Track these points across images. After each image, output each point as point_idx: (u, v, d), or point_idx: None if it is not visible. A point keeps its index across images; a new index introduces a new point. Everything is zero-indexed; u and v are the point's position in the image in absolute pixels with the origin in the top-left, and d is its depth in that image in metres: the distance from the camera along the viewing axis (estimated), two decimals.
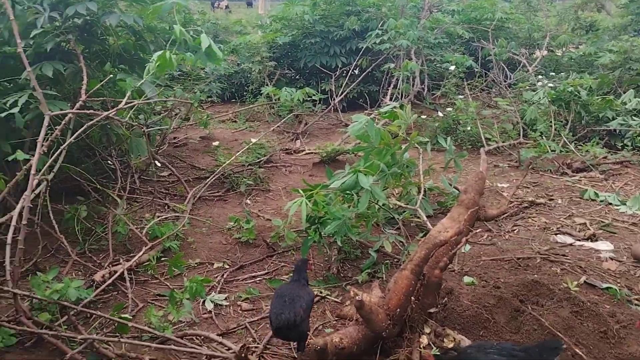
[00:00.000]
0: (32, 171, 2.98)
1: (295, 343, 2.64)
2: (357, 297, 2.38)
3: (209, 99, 7.01)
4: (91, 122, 3.33)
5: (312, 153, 6.07)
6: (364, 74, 7.61)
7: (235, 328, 2.93)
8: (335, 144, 5.83)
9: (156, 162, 5.02)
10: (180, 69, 7.09)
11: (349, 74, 7.71)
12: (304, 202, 3.11)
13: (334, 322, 2.99)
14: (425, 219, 3.49)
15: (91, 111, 3.45)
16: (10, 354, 2.58)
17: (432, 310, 2.57)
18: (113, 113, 3.44)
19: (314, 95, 6.76)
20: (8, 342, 2.60)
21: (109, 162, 4.51)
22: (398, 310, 2.47)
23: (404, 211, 3.93)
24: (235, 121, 7.58)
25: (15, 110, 3.28)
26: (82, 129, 3.28)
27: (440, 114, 6.63)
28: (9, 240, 2.85)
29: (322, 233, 3.35)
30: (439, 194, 4.52)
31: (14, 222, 2.89)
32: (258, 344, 2.78)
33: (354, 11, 8.13)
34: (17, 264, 2.79)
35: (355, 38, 8.06)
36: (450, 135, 5.48)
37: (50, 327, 2.66)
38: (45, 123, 3.13)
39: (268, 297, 3.19)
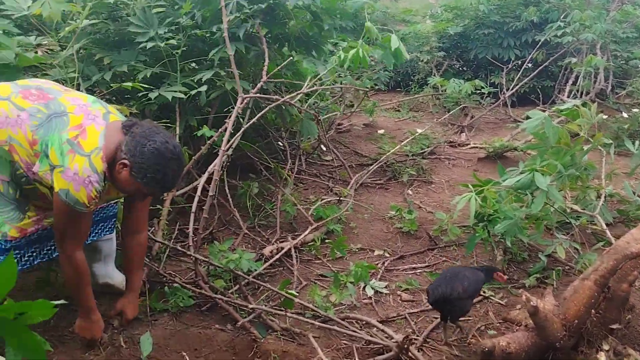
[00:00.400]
0: (223, 147, 3.20)
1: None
2: (531, 303, 2.24)
3: (376, 87, 7.02)
4: (273, 104, 3.50)
5: (477, 147, 5.85)
6: (539, 68, 7.16)
7: (394, 317, 2.91)
8: (503, 140, 5.56)
9: (322, 146, 5.15)
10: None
11: (523, 67, 7.29)
12: (474, 198, 3.00)
13: (497, 325, 2.86)
14: (604, 226, 3.20)
15: (277, 97, 3.61)
16: (188, 314, 2.78)
17: (614, 326, 2.35)
18: (293, 98, 3.58)
19: (483, 88, 6.51)
20: (187, 303, 2.81)
21: (279, 143, 4.70)
22: (576, 321, 2.29)
23: (579, 216, 3.64)
24: (398, 110, 7.54)
25: (203, 88, 3.51)
26: (265, 110, 3.45)
27: (625, 114, 6.06)
28: (193, 209, 3.08)
29: (491, 231, 3.21)
30: (619, 202, 4.14)
31: (198, 192, 3.12)
32: (418, 336, 2.74)
33: (533, 1, 7.66)
34: (200, 231, 3.01)
35: (531, 30, 7.61)
36: (636, 139, 4.98)
37: (224, 294, 2.84)
38: (239, 104, 3.35)
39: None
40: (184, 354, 2.49)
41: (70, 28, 3.11)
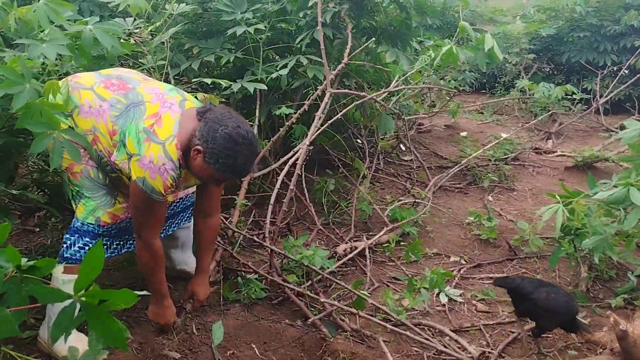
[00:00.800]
0: (307, 141, 3.20)
1: None
2: (620, 326, 2.09)
3: (461, 88, 6.85)
4: (359, 101, 3.47)
5: (564, 156, 5.57)
6: (637, 75, 6.73)
7: (468, 327, 2.81)
8: (594, 149, 5.27)
9: (401, 145, 5.06)
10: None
11: (619, 74, 6.89)
12: (561, 210, 2.84)
13: (579, 345, 2.70)
14: None
15: (363, 94, 3.57)
16: (259, 307, 2.80)
17: None
18: (379, 96, 3.54)
19: (575, 93, 6.19)
20: (259, 295, 2.82)
21: (358, 140, 4.65)
22: None
23: None
24: (481, 112, 7.32)
25: (284, 72, 3.50)
26: (349, 107, 3.43)
27: None
28: (272, 200, 3.10)
29: (577, 246, 3.04)
30: None
31: (278, 185, 3.13)
32: (492, 349, 2.64)
33: (635, 4, 7.22)
34: (278, 224, 3.02)
35: (631, 35, 7.17)
36: None
37: (296, 289, 2.84)
38: (326, 99, 3.34)
39: (505, 301, 3.00)
40: (254, 346, 2.51)
41: (163, 18, 3.19)
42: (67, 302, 0.98)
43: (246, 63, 3.71)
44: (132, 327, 2.52)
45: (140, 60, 3.16)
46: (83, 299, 0.97)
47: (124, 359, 2.29)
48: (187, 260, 2.89)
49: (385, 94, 3.85)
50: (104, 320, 0.97)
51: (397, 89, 3.91)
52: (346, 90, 3.58)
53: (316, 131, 3.38)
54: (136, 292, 0.98)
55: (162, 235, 2.58)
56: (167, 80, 3.60)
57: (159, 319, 2.45)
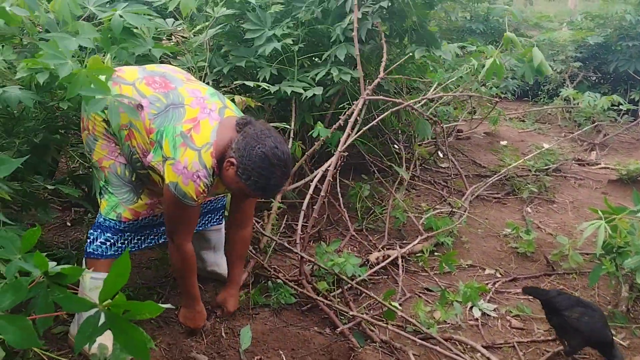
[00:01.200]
0: (340, 148, 3.17)
1: None
2: None
3: (503, 95, 6.71)
4: (395, 108, 3.42)
5: (608, 168, 5.40)
6: None
7: (501, 344, 2.73)
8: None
9: (439, 152, 4.98)
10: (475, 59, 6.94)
11: None
12: (603, 226, 2.74)
13: None
14: None
15: (399, 100, 3.53)
16: (288, 312, 2.78)
17: None
18: (416, 103, 3.49)
19: (622, 104, 5.99)
20: (288, 301, 2.80)
21: (394, 145, 4.60)
22: None
23: None
24: (523, 120, 7.16)
25: (318, 91, 3.47)
26: (386, 114, 3.39)
27: None
28: (304, 206, 3.08)
29: (619, 265, 2.93)
30: None
31: (310, 190, 3.11)
32: None
33: None
34: (309, 230, 3.00)
35: None
36: None
37: (326, 297, 2.81)
38: (359, 105, 3.31)
39: (541, 319, 2.91)
40: (281, 352, 2.49)
41: (206, 24, 3.20)
42: (92, 310, 0.97)
43: (282, 71, 3.69)
44: (162, 327, 2.53)
45: (179, 59, 3.18)
46: (108, 308, 0.96)
47: (151, 358, 2.29)
48: (218, 261, 2.89)
49: (423, 101, 3.78)
50: (128, 330, 0.96)
51: (435, 95, 3.85)
52: (381, 97, 3.54)
53: (348, 138, 3.35)
54: (161, 304, 0.96)
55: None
56: (205, 82, 3.64)
57: (189, 323, 2.45)
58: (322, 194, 3.02)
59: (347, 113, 3.45)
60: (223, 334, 2.53)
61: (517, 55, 3.58)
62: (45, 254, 2.13)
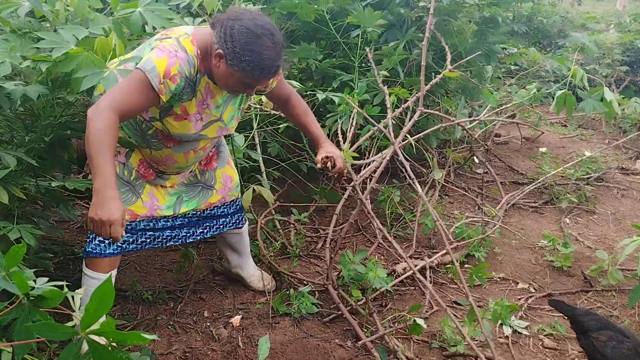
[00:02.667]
0: (387, 156, 3.11)
1: None
2: None
3: (544, 99, 6.48)
4: (444, 124, 3.34)
5: None
6: None
7: None
8: None
9: (475, 157, 4.82)
10: (517, 62, 6.73)
11: None
12: None
13: None
14: None
15: (452, 118, 3.44)
16: (309, 322, 2.69)
17: None
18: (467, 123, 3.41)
19: None
20: (310, 310, 2.71)
21: (428, 151, 4.46)
22: None
23: None
24: (565, 126, 6.90)
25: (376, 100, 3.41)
26: (432, 129, 3.30)
27: None
28: (337, 210, 2.99)
29: None
30: None
31: (345, 195, 3.03)
32: None
33: None
34: (342, 235, 2.92)
35: None
36: None
37: (352, 306, 2.72)
38: (416, 117, 3.26)
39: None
40: None
41: None
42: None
43: (330, 73, 3.62)
44: (178, 333, 2.48)
45: None
46: (91, 336, 0.88)
47: None
48: (243, 264, 2.83)
49: (476, 122, 3.64)
50: None
51: (488, 118, 3.70)
52: (435, 112, 3.43)
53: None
54: (147, 335, 0.88)
55: (196, 238, 2.56)
56: None
57: (99, 213, 1.77)
58: (365, 198, 2.88)
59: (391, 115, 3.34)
60: (240, 343, 2.46)
61: (586, 94, 3.45)
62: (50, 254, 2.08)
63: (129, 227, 2.30)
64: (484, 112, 3.75)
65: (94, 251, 2.25)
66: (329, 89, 3.53)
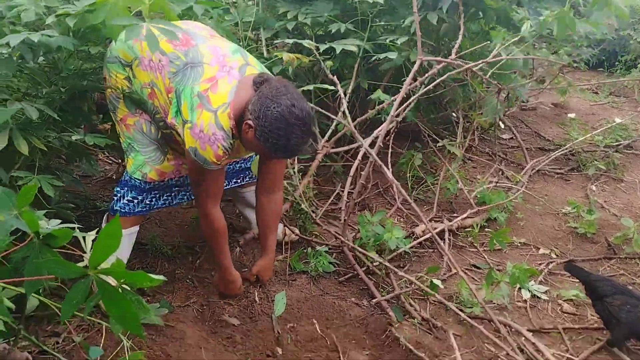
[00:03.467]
0: (392, 112, 3.03)
1: None
2: None
3: (574, 64, 6.29)
4: (453, 72, 3.25)
5: None
6: None
7: (549, 329, 2.57)
8: None
9: (501, 123, 4.73)
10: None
11: None
12: None
13: None
14: None
15: (458, 61, 3.32)
16: (325, 281, 2.70)
17: None
18: (477, 67, 3.30)
19: None
20: (326, 269, 2.72)
21: (453, 113, 4.39)
22: None
23: None
24: (596, 92, 6.72)
25: (393, 55, 3.32)
26: (442, 77, 3.22)
27: None
28: (351, 172, 2.97)
29: None
30: None
31: (359, 157, 3.00)
32: (571, 356, 2.40)
33: None
34: (354, 197, 2.90)
35: None
36: None
37: (367, 267, 2.72)
38: (415, 67, 3.15)
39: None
40: (315, 321, 2.42)
41: None
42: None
43: (348, 34, 3.53)
44: (196, 287, 2.51)
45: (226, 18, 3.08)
46: (101, 276, 0.89)
47: (183, 318, 2.28)
48: None
49: (481, 64, 3.52)
50: (120, 302, 0.89)
51: (496, 59, 3.57)
52: (437, 59, 3.32)
53: (404, 103, 3.19)
54: (155, 276, 0.88)
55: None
56: (259, 38, 3.54)
57: (222, 289, 2.37)
58: (373, 158, 2.84)
59: (406, 85, 3.26)
60: (257, 298, 2.48)
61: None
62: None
63: (157, 186, 2.31)
64: (492, 54, 3.62)
65: (122, 210, 2.27)
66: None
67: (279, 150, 1.94)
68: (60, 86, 2.15)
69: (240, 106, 1.98)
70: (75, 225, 1.06)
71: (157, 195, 2.34)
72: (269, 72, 2.15)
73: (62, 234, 0.95)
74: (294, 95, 1.93)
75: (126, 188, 2.26)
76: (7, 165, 2.15)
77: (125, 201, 2.26)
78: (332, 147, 3.39)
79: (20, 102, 1.94)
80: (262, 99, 1.92)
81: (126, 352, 1.60)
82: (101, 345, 1.96)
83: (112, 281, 0.96)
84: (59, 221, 1.08)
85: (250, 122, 1.93)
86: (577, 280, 2.89)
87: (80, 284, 0.89)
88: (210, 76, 2.01)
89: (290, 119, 1.89)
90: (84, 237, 1.13)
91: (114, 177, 3.33)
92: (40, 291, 2.05)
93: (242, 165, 2.61)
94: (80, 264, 0.92)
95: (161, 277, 0.91)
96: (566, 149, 4.39)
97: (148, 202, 2.31)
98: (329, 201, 3.36)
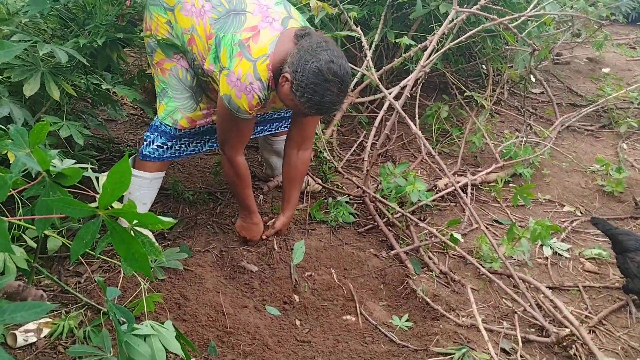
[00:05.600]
0: (422, 62, 2.97)
1: None
2: None
3: (612, 17, 6.03)
4: (487, 24, 3.14)
5: None
6: None
7: (569, 287, 2.55)
8: None
9: (532, 76, 4.59)
10: None
11: None
12: None
13: None
14: None
15: (493, 16, 3.20)
16: (345, 231, 2.70)
17: None
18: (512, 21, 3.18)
19: None
20: (346, 219, 2.72)
21: (483, 66, 4.27)
22: None
23: None
24: (634, 48, 6.46)
25: None
26: (475, 30, 3.12)
27: None
28: (376, 123, 2.94)
29: None
30: None
31: (385, 107, 2.95)
32: (591, 314, 2.38)
33: None
34: (378, 147, 2.87)
35: None
36: None
37: (388, 218, 2.71)
38: (450, 17, 3.06)
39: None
40: (333, 271, 2.43)
41: None
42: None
43: None
44: (216, 233, 2.53)
45: None
46: (109, 216, 0.89)
47: (203, 263, 2.30)
48: None
49: (521, 19, 3.39)
50: (129, 241, 0.89)
51: (535, 13, 3.44)
52: (472, 11, 3.20)
53: (434, 52, 3.09)
54: (167, 218, 0.88)
55: (255, 136, 2.53)
56: None
57: (244, 233, 2.42)
58: (399, 107, 2.78)
59: (437, 35, 3.16)
60: (275, 246, 2.49)
61: None
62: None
63: (187, 133, 2.31)
64: (529, 9, 3.48)
65: (151, 155, 2.27)
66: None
67: (312, 106, 1.92)
68: (94, 34, 2.12)
69: (280, 58, 1.95)
70: (88, 166, 1.06)
71: (187, 142, 2.35)
72: (310, 26, 2.10)
73: (72, 173, 0.94)
74: (334, 52, 1.90)
75: (156, 133, 2.26)
76: (33, 108, 2.16)
77: (155, 146, 2.26)
78: (357, 97, 3.34)
79: (50, 45, 1.93)
80: (302, 52, 1.89)
81: (144, 294, 1.62)
82: (119, 286, 2.00)
83: (124, 223, 0.96)
84: (73, 161, 1.08)
85: (287, 75, 1.91)
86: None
87: (90, 224, 0.89)
88: (253, 25, 1.99)
89: (327, 74, 1.85)
90: (96, 178, 1.14)
91: (139, 121, 3.33)
92: (64, 232, 2.09)
93: (283, 114, 2.59)
94: (92, 204, 0.92)
95: (171, 220, 0.90)
96: (598, 105, 4.26)
97: (177, 148, 2.31)
98: (351, 151, 3.32)
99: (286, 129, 2.63)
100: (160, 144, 2.26)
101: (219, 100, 2.04)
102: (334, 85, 1.88)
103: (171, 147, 2.29)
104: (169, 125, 2.24)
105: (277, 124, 2.64)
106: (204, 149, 2.43)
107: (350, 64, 3.11)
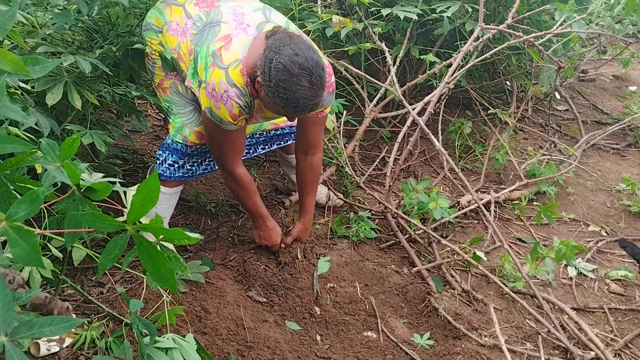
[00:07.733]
0: (446, 78, 2.96)
1: None
2: None
3: (639, 34, 5.96)
4: (512, 42, 3.13)
5: None
6: None
7: (594, 309, 2.50)
8: None
9: (557, 93, 4.55)
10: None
11: None
12: None
13: None
14: None
15: (518, 33, 3.18)
16: (366, 247, 2.69)
17: None
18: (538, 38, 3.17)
19: None
20: (368, 235, 2.71)
21: (507, 82, 4.24)
22: None
23: None
24: None
25: (449, 12, 3.21)
26: (501, 47, 3.11)
27: None
28: (398, 138, 2.93)
29: None
30: None
31: (408, 123, 2.95)
32: (615, 337, 2.33)
33: None
34: (400, 163, 2.86)
35: None
36: None
37: (410, 235, 2.69)
38: (475, 34, 3.06)
39: None
40: (356, 284, 2.42)
41: None
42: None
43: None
44: (236, 245, 2.53)
45: None
46: (137, 231, 0.89)
47: (224, 275, 2.30)
48: None
49: (546, 37, 3.37)
50: (156, 257, 0.89)
51: (562, 31, 3.42)
52: (498, 28, 3.19)
53: (459, 69, 3.08)
54: (193, 234, 0.88)
55: (256, 154, 2.55)
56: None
57: (264, 242, 2.40)
58: (422, 124, 2.78)
59: (463, 51, 3.15)
60: (299, 254, 2.47)
61: None
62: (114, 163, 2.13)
63: (199, 150, 2.31)
64: (557, 25, 3.45)
65: (164, 174, 2.29)
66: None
67: (287, 105, 1.84)
68: (114, 43, 2.16)
69: (252, 63, 1.90)
70: (117, 180, 1.07)
71: (199, 161, 2.35)
72: (297, 29, 2.08)
73: (102, 188, 0.95)
74: (298, 45, 1.82)
75: (168, 152, 2.27)
76: (59, 117, 2.20)
77: (167, 165, 2.28)
78: (380, 112, 3.33)
79: (74, 56, 1.96)
80: (266, 52, 1.83)
81: (166, 307, 1.62)
82: (141, 297, 2.01)
83: (151, 237, 0.96)
84: (102, 175, 1.09)
85: (258, 79, 1.85)
86: (629, 260, 2.81)
87: (117, 238, 0.90)
88: (226, 34, 1.97)
89: (293, 69, 1.77)
90: (124, 192, 1.14)
91: (163, 132, 3.37)
92: (88, 243, 2.11)
93: (281, 131, 2.59)
94: (120, 219, 0.92)
95: (198, 236, 0.90)
96: (624, 123, 4.20)
97: (189, 167, 2.32)
98: (373, 166, 3.31)
99: (291, 142, 2.63)
100: (172, 162, 2.27)
101: (203, 115, 2.02)
102: (303, 79, 1.79)
103: (183, 165, 2.30)
104: (180, 143, 2.24)
105: (278, 142, 2.62)
106: (215, 168, 2.42)
107: (373, 78, 3.16)
